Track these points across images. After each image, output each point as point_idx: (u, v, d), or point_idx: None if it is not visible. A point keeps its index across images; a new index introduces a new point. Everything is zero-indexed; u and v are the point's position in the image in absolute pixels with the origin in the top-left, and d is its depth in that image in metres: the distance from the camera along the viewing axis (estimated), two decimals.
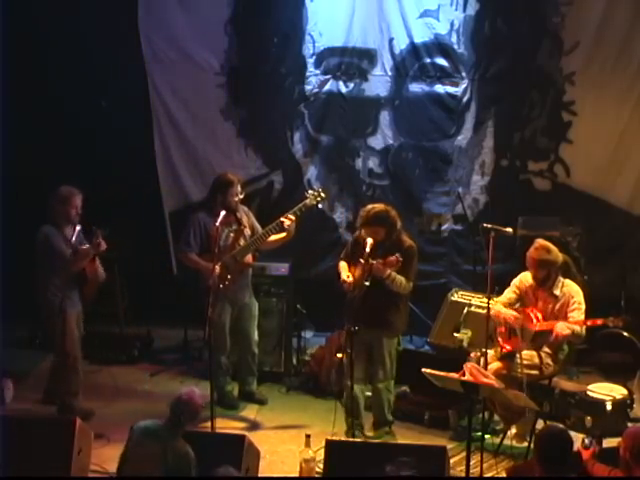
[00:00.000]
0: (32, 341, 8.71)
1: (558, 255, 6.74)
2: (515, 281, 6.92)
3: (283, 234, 7.28)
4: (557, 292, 6.71)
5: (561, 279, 6.75)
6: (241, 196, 7.42)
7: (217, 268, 7.03)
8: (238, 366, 7.70)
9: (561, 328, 6.50)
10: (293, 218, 7.19)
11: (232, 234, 7.34)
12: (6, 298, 7.36)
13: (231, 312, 7.43)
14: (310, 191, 7.45)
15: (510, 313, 6.70)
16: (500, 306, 6.76)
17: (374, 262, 6.57)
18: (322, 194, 7.35)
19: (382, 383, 6.90)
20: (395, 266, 6.58)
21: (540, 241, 6.79)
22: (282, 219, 7.19)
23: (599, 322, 6.56)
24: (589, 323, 6.57)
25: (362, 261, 6.59)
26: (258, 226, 7.52)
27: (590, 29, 8.60)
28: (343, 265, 6.96)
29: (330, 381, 7.75)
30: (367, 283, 6.58)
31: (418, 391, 7.35)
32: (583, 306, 6.65)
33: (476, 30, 8.86)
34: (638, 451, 4.98)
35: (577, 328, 6.53)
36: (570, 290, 6.70)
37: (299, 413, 7.43)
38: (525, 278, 6.88)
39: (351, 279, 6.76)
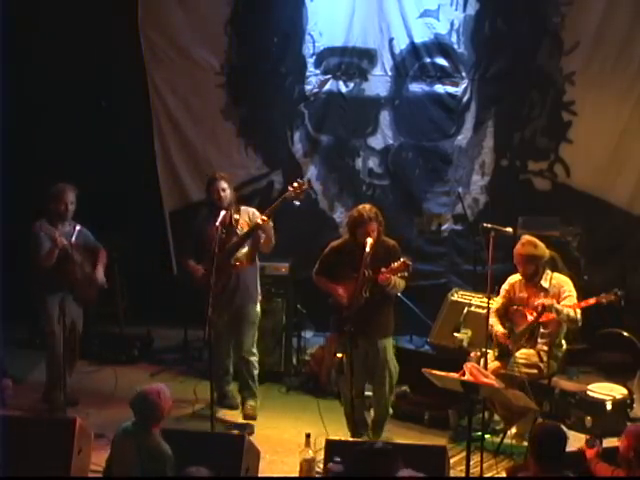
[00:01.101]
0: (32, 341, 8.70)
1: (545, 250, 6.77)
2: (504, 286, 6.96)
3: (264, 235, 7.09)
4: (546, 285, 6.74)
5: (549, 272, 6.79)
6: (224, 193, 7.12)
7: (201, 268, 7.02)
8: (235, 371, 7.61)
9: (546, 300, 6.52)
10: (265, 218, 6.97)
11: (224, 234, 7.02)
12: (6, 298, 7.36)
13: (225, 316, 7.19)
14: (295, 184, 7.08)
15: (500, 331, 6.72)
16: (494, 319, 6.78)
17: (381, 272, 6.37)
18: (303, 186, 7.05)
19: (386, 386, 6.77)
20: (404, 270, 6.41)
21: (526, 237, 6.82)
22: (257, 220, 7.05)
23: (592, 301, 6.55)
24: (583, 304, 6.57)
25: (364, 272, 6.38)
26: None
27: (590, 29, 8.60)
28: (325, 280, 6.74)
29: (330, 381, 7.75)
30: (366, 295, 6.46)
31: (418, 391, 7.34)
32: (574, 293, 6.68)
33: (476, 30, 8.86)
34: None
35: (571, 312, 6.54)
36: (559, 281, 6.74)
37: (299, 413, 7.42)
38: (512, 279, 6.92)
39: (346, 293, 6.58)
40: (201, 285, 6.96)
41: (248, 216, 7.25)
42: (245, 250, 7.19)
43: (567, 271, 7.17)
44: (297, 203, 7.09)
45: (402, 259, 6.41)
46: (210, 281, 6.64)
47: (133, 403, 5.47)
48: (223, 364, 7.44)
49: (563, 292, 6.68)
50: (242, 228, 7.17)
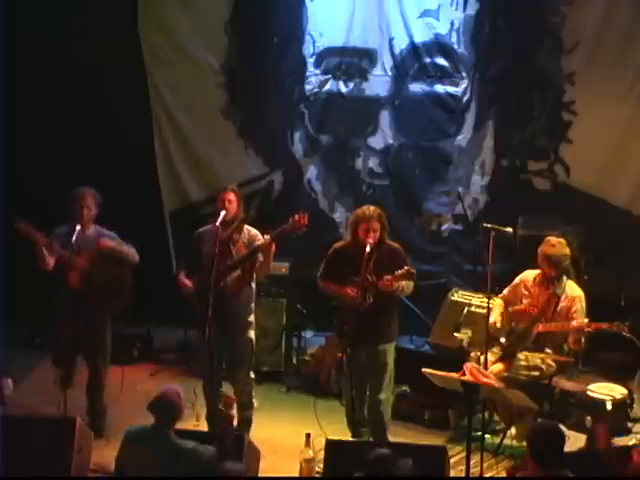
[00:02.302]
0: (32, 341, 8.72)
1: (569, 254, 6.74)
2: (516, 280, 6.93)
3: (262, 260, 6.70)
4: (559, 292, 6.71)
5: (564, 279, 6.75)
6: (229, 205, 6.65)
7: (189, 284, 6.71)
8: None
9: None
10: (268, 238, 6.57)
11: (217, 253, 6.51)
12: (6, 298, 7.35)
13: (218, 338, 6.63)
14: (296, 216, 6.52)
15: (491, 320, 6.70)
16: (498, 309, 6.77)
17: (386, 279, 6.27)
18: (303, 221, 6.49)
19: (385, 393, 6.67)
20: (408, 278, 6.34)
21: (553, 238, 6.78)
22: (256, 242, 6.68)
23: (604, 326, 6.48)
24: (593, 326, 6.48)
25: (367, 277, 6.32)
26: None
27: (590, 29, 8.59)
28: (332, 284, 6.60)
29: (330, 381, 7.75)
30: (370, 300, 6.38)
31: (418, 391, 7.35)
32: (584, 311, 6.63)
33: (476, 30, 8.86)
34: None
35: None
36: (573, 294, 6.68)
37: (299, 413, 7.41)
38: (526, 277, 6.88)
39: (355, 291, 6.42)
40: (190, 298, 6.73)
41: (247, 237, 6.76)
42: (235, 274, 6.70)
43: (581, 277, 7.08)
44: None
45: (406, 267, 6.32)
46: (209, 283, 6.46)
47: (154, 406, 5.34)
48: (216, 387, 6.84)
49: (574, 311, 6.62)
50: (239, 251, 6.71)
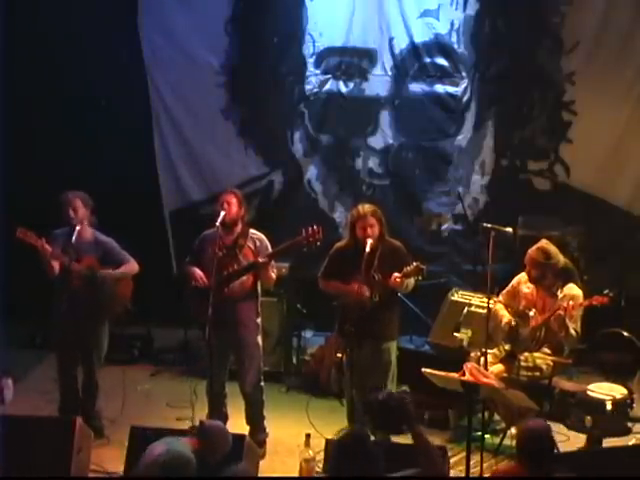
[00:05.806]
0: (32, 341, 8.72)
1: (558, 261, 6.73)
2: (513, 282, 6.96)
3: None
4: (558, 292, 6.72)
5: (560, 282, 6.75)
6: (228, 207, 6.61)
7: (198, 271, 6.63)
8: None
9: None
10: (265, 260, 6.55)
11: (222, 256, 6.54)
12: (6, 298, 7.35)
13: (221, 343, 6.66)
14: (310, 229, 6.58)
15: (506, 316, 6.75)
16: (501, 306, 6.79)
17: (394, 277, 6.30)
18: (317, 235, 6.54)
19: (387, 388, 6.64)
20: (418, 274, 6.35)
21: (543, 242, 6.79)
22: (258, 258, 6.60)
23: (585, 303, 6.55)
24: (576, 306, 6.52)
25: (373, 275, 6.36)
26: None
27: (590, 29, 8.61)
28: (334, 282, 6.62)
29: (330, 381, 7.74)
30: (376, 299, 6.40)
31: (418, 391, 7.32)
32: (580, 311, 6.64)
33: (476, 30, 8.87)
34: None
35: (573, 333, 6.55)
36: (573, 295, 6.68)
37: (299, 413, 7.41)
38: (525, 278, 6.90)
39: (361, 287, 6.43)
40: (196, 292, 6.64)
41: (254, 244, 6.68)
42: (242, 279, 6.66)
43: (581, 283, 7.10)
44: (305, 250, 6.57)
45: (415, 263, 6.36)
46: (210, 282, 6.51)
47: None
48: (219, 389, 6.86)
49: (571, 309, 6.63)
50: (246, 256, 6.64)
